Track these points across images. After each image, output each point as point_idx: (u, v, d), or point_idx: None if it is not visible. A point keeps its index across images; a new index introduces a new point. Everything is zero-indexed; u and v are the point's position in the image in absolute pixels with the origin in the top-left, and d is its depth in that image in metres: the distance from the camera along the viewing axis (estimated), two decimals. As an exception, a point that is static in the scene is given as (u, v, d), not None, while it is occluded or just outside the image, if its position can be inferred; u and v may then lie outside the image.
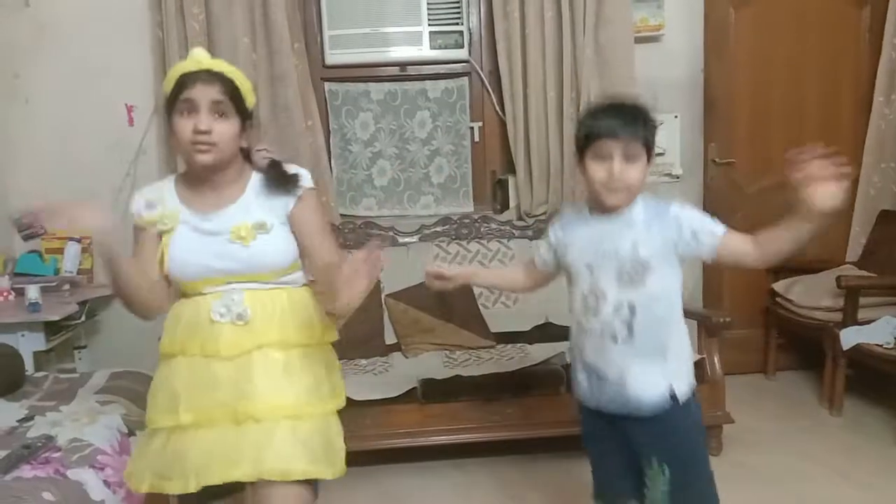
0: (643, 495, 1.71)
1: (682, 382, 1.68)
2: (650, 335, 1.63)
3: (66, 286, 3.10)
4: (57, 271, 3.17)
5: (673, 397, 1.64)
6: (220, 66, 1.59)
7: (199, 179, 1.63)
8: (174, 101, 1.56)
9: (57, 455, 1.84)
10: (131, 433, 2.10)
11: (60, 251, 3.21)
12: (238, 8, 3.15)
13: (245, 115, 1.62)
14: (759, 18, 3.55)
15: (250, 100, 1.63)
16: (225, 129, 1.56)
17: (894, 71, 3.51)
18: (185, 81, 1.55)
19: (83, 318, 3.02)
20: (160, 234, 1.61)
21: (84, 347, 3.25)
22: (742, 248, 1.62)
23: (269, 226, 1.61)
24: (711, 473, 1.72)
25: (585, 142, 1.64)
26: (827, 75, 3.63)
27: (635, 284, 1.62)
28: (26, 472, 1.74)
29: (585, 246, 1.69)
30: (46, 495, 1.63)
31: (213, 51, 3.17)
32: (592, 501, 1.85)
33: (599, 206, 1.68)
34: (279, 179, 1.64)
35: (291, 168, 1.67)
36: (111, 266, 1.51)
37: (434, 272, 1.83)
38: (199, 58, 1.59)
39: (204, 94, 1.53)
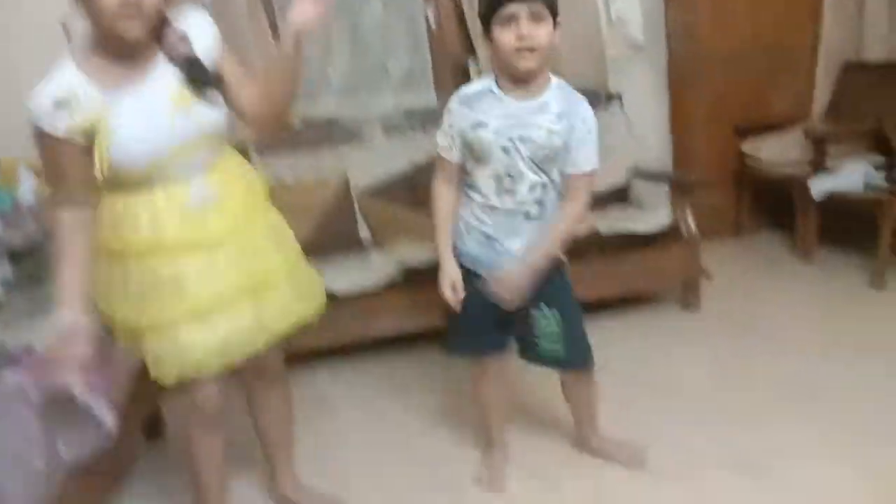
0: (532, 342, 1.85)
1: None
2: (552, 209, 1.75)
3: (27, 214, 2.99)
4: (13, 202, 3.06)
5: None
6: None
7: (109, 53, 1.47)
8: None
9: (39, 359, 1.80)
10: (112, 336, 2.07)
11: (15, 181, 3.09)
12: None
13: None
14: None
15: None
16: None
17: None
18: None
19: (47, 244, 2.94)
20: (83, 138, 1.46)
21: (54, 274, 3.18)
22: (566, 192, 1.75)
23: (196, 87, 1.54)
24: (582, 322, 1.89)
25: (489, 10, 1.64)
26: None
27: (546, 167, 1.71)
28: (10, 377, 1.71)
29: (501, 127, 1.68)
30: (34, 396, 1.61)
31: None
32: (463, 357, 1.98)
33: (512, 77, 1.67)
34: (197, 70, 1.53)
35: (209, 55, 1.56)
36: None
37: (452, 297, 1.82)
38: None
39: None
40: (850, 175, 3.00)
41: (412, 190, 3.07)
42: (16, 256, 2.75)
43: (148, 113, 1.50)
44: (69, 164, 1.48)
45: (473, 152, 1.73)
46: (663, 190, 2.98)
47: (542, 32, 1.60)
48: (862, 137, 3.21)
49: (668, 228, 2.79)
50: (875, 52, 3.49)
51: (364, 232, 3.09)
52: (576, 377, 1.95)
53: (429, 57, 3.44)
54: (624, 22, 3.38)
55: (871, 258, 2.93)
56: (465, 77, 3.42)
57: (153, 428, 2.39)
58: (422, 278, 2.67)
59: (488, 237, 1.77)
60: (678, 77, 3.56)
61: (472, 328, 1.87)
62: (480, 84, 1.75)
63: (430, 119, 3.31)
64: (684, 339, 2.66)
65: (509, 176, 1.70)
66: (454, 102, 1.76)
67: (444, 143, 1.78)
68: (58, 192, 1.52)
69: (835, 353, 2.42)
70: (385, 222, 3.07)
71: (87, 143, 1.47)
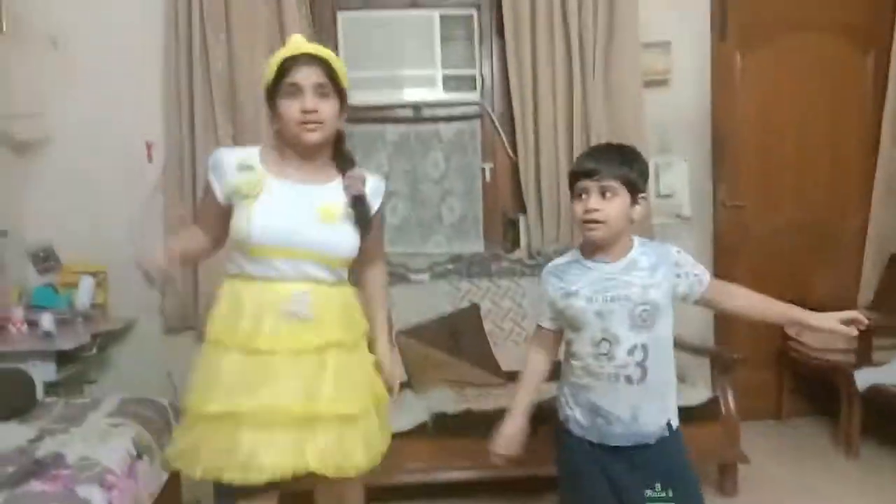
0: None
1: (675, 412, 1.80)
2: (660, 374, 1.73)
3: (80, 319, 3.11)
4: (70, 304, 3.19)
5: (669, 425, 1.76)
6: (318, 50, 1.71)
7: (290, 157, 1.72)
8: (277, 84, 1.67)
9: (66, 472, 1.82)
10: (140, 456, 2.08)
11: (75, 285, 3.22)
12: (258, 54, 3.21)
13: (342, 96, 1.72)
14: (766, 63, 3.63)
15: (346, 82, 1.74)
16: (328, 108, 1.68)
17: (902, 109, 3.57)
18: (288, 65, 1.67)
19: (95, 351, 3.02)
20: (234, 201, 1.68)
21: (94, 382, 3.25)
22: (721, 297, 1.80)
23: (350, 217, 1.71)
24: (702, 496, 1.81)
25: (571, 182, 1.76)
26: (834, 119, 3.68)
27: (647, 327, 1.70)
28: (35, 486, 1.73)
29: (592, 293, 1.73)
30: (55, 510, 1.62)
31: (232, 92, 3.28)
32: None
33: (589, 246, 1.77)
34: (360, 212, 1.72)
35: (373, 199, 1.77)
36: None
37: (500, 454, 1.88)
38: (299, 43, 1.70)
39: (308, 77, 1.65)
40: (897, 369, 2.95)
41: (451, 335, 3.10)
42: (62, 360, 2.83)
43: (289, 203, 1.67)
44: (213, 215, 1.75)
45: (568, 320, 1.78)
46: (704, 365, 2.96)
47: (609, 208, 1.68)
48: (909, 332, 3.18)
49: (708, 405, 2.74)
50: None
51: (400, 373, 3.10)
52: None
53: (481, 208, 3.59)
54: (672, 195, 3.49)
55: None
56: (513, 229, 3.55)
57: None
58: (452, 425, 2.65)
59: (592, 404, 1.75)
60: (723, 251, 3.62)
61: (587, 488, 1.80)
62: (569, 255, 1.83)
63: (476, 266, 3.42)
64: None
65: (605, 340, 1.71)
66: (546, 274, 1.84)
67: (540, 311, 1.88)
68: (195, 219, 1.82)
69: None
70: (421, 364, 3.08)
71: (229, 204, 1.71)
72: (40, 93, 3.32)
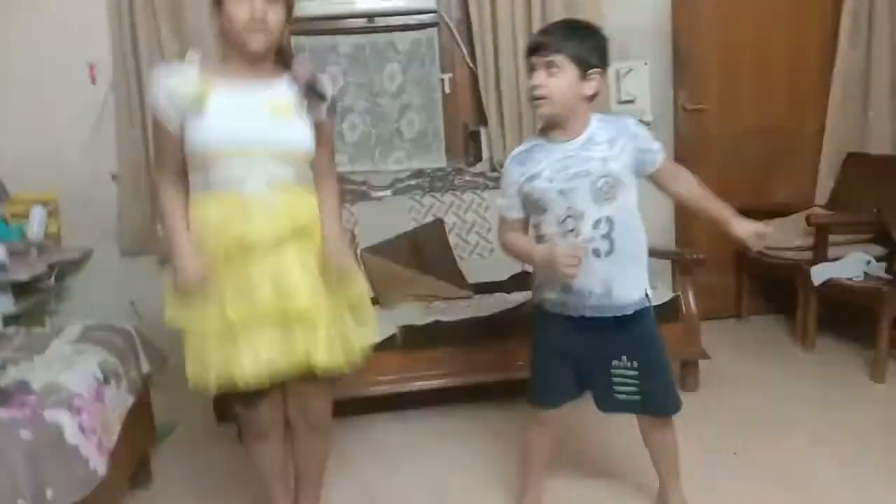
0: (612, 395, 1.84)
1: (648, 285, 1.83)
2: (628, 245, 1.75)
3: (34, 249, 3.02)
4: (23, 235, 3.09)
5: (646, 297, 1.80)
6: None
7: (233, 65, 1.67)
8: None
9: (32, 398, 1.79)
10: (107, 381, 2.06)
11: (25, 216, 3.12)
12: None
13: (289, 6, 1.67)
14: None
15: None
16: (277, 17, 1.63)
17: (858, 16, 3.55)
18: None
19: (52, 281, 2.96)
20: (185, 121, 1.63)
21: (55, 314, 3.19)
22: (669, 177, 1.81)
23: (302, 112, 1.68)
24: (670, 370, 1.89)
25: (526, 57, 1.77)
26: (793, 24, 3.65)
27: (609, 199, 1.72)
28: (1, 413, 1.70)
29: (554, 172, 1.74)
30: (24, 433, 1.60)
31: (177, 5, 3.12)
32: (532, 405, 1.95)
33: (545, 126, 1.78)
34: (314, 95, 1.69)
35: (325, 86, 1.70)
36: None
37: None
38: None
39: None
40: (851, 264, 3.03)
41: (416, 250, 3.10)
42: (19, 291, 2.76)
43: (239, 105, 1.64)
44: (166, 144, 1.68)
45: (533, 204, 1.79)
46: (665, 268, 3.01)
47: (554, 83, 1.69)
48: (864, 228, 3.25)
49: (669, 304, 2.80)
50: (878, 146, 3.58)
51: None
52: (651, 423, 1.91)
53: (441, 121, 3.53)
54: (633, 100, 3.46)
55: (872, 349, 2.93)
56: (475, 143, 3.50)
57: (141, 476, 2.35)
58: (420, 337, 2.68)
59: (565, 284, 1.76)
60: (684, 156, 3.61)
61: (551, 379, 1.89)
62: (527, 142, 1.84)
63: (438, 180, 3.38)
64: (679, 418, 2.63)
65: (570, 217, 1.73)
66: (508, 163, 1.85)
67: (504, 203, 1.85)
68: (160, 169, 1.72)
69: (829, 444, 2.39)
70: (387, 280, 3.08)
71: (181, 128, 1.64)
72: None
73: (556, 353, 1.86)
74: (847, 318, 3.22)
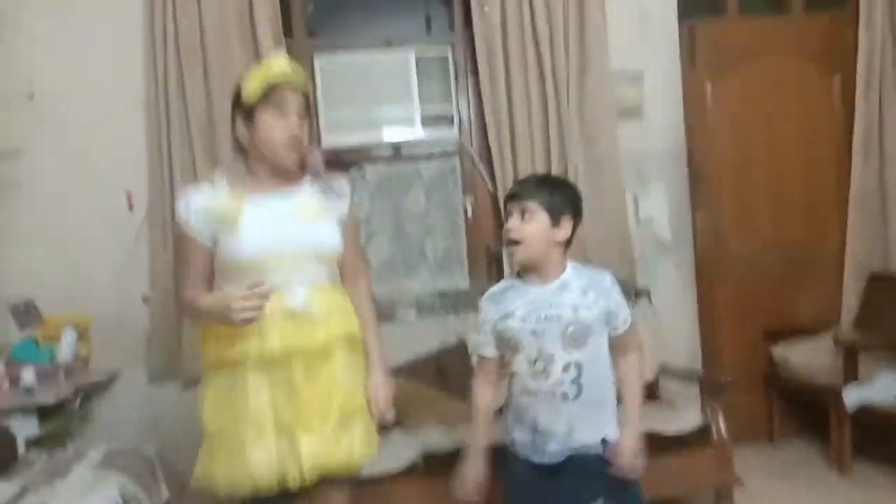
0: None
1: (613, 427, 1.84)
2: (594, 390, 1.79)
3: (62, 372, 3.05)
4: (52, 358, 3.13)
5: (604, 441, 1.80)
6: (299, 74, 1.78)
7: (259, 172, 1.76)
8: (260, 105, 1.71)
9: (52, 528, 1.78)
10: (127, 507, 2.04)
11: (57, 338, 3.18)
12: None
13: (310, 115, 1.81)
14: (735, 89, 3.70)
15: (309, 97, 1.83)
16: (306, 132, 1.77)
17: (869, 134, 3.65)
18: (274, 89, 1.72)
19: (77, 404, 2.97)
20: (217, 233, 1.70)
21: (77, 437, 3.17)
22: (619, 352, 1.86)
23: (328, 214, 1.78)
24: None
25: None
26: (805, 141, 3.76)
27: (579, 346, 1.78)
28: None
29: (527, 313, 1.80)
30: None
31: (211, 133, 3.29)
32: None
33: (521, 269, 1.86)
34: (331, 184, 1.81)
35: (343, 185, 1.84)
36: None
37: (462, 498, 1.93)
38: (284, 66, 1.76)
39: (293, 101, 1.73)
40: (884, 386, 2.97)
41: (440, 372, 3.09)
42: (44, 414, 2.78)
43: (271, 214, 1.72)
44: (195, 259, 1.74)
45: (506, 343, 1.83)
46: (693, 391, 2.96)
47: (527, 228, 1.79)
48: (893, 348, 3.20)
49: (699, 430, 2.74)
50: (901, 264, 3.59)
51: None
52: None
53: (464, 244, 3.61)
54: (651, 221, 3.53)
55: (912, 475, 2.82)
56: (497, 264, 3.56)
57: None
58: (443, 464, 2.62)
59: (533, 423, 1.81)
60: (705, 276, 3.65)
61: None
62: (505, 282, 1.92)
63: (461, 302, 3.42)
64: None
65: (542, 359, 1.77)
66: (484, 301, 1.91)
67: (480, 341, 1.91)
68: (185, 287, 1.77)
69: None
70: (410, 403, 3.05)
71: (213, 242, 1.72)
72: (18, 144, 3.32)
73: (528, 501, 1.85)
74: (884, 440, 3.12)
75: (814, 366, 3.29)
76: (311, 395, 1.68)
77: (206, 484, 1.71)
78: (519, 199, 1.82)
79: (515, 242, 1.80)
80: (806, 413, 3.54)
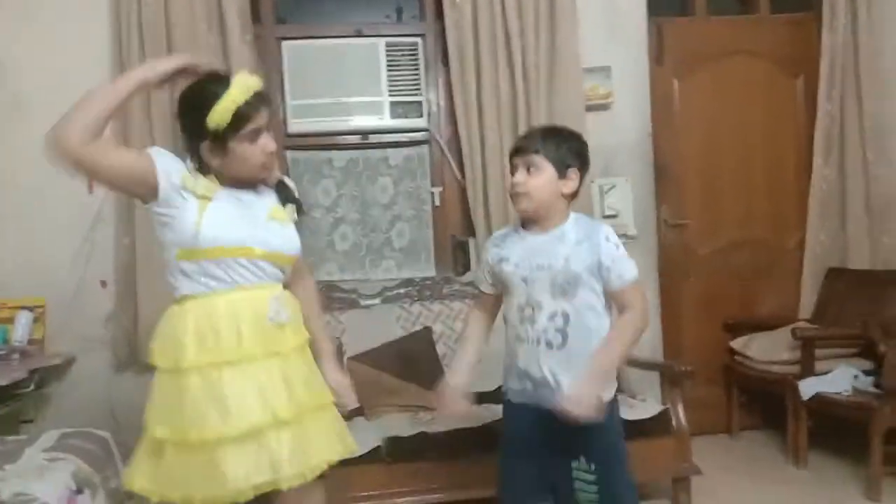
0: (572, 498, 1.84)
1: (608, 387, 1.83)
2: (581, 343, 1.78)
3: (16, 355, 2.98)
4: (6, 340, 3.06)
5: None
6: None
7: (227, 181, 1.69)
8: (233, 131, 1.60)
9: (0, 509, 1.73)
10: (80, 490, 1.99)
11: (11, 321, 3.10)
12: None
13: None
14: (702, 87, 3.76)
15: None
16: (275, 143, 1.70)
17: (829, 135, 3.72)
18: (246, 111, 1.60)
19: (32, 387, 2.90)
20: (180, 195, 1.62)
21: (31, 421, 3.11)
22: (619, 309, 1.84)
23: (289, 217, 1.75)
24: (629, 476, 1.87)
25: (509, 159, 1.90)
26: (769, 140, 3.82)
27: (567, 295, 1.78)
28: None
29: (520, 260, 1.84)
30: (-13, 546, 1.53)
31: (172, 121, 3.21)
32: None
33: (523, 219, 1.88)
34: (288, 197, 1.77)
35: (293, 189, 1.81)
36: (116, 97, 1.61)
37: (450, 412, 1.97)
38: (249, 83, 1.62)
39: (264, 117, 1.65)
40: (839, 378, 3.03)
41: (402, 359, 3.08)
42: (-2, 397, 2.71)
43: (246, 209, 1.68)
44: (134, 161, 1.63)
45: (501, 284, 1.89)
46: (654, 380, 2.99)
47: (533, 181, 1.80)
48: (849, 342, 3.27)
49: (659, 419, 2.76)
50: (858, 261, 3.66)
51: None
52: None
53: (431, 232, 3.61)
54: (617, 214, 3.56)
55: (865, 465, 2.88)
56: (463, 253, 3.56)
57: None
58: (406, 449, 2.62)
59: (520, 368, 1.84)
60: (668, 269, 3.70)
61: (517, 478, 1.89)
62: (507, 227, 1.96)
63: (427, 289, 3.41)
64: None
65: (529, 306, 1.81)
66: (488, 242, 1.98)
67: (479, 277, 2.02)
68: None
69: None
70: (373, 389, 3.04)
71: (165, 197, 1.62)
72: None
73: (520, 451, 1.88)
74: (839, 432, 3.18)
75: (772, 359, 3.34)
76: (285, 397, 1.64)
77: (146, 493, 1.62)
78: (524, 152, 1.82)
79: (519, 195, 1.81)
80: (764, 405, 3.61)
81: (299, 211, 1.79)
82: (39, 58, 3.27)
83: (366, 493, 2.61)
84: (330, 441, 1.71)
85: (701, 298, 3.73)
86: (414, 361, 3.07)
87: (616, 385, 1.90)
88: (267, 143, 1.66)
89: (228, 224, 1.64)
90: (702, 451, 2.92)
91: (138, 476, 1.63)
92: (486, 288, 1.98)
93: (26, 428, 3.04)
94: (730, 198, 3.79)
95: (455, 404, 1.95)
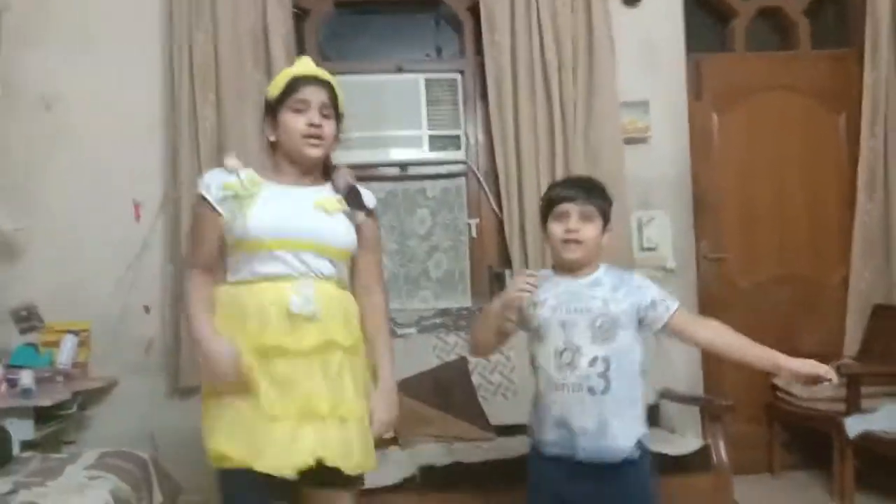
0: None
1: (645, 429, 1.84)
2: (624, 388, 1.77)
3: (60, 378, 3.05)
4: (51, 363, 3.13)
5: (640, 445, 1.79)
6: (325, 73, 1.80)
7: (284, 168, 1.77)
8: (283, 100, 1.73)
9: (42, 522, 1.76)
10: (119, 508, 2.02)
11: (57, 343, 3.18)
12: (249, 109, 3.30)
13: (339, 120, 1.82)
14: (742, 123, 3.75)
15: (343, 107, 1.83)
16: (330, 131, 1.77)
17: (873, 171, 3.67)
18: (297, 83, 1.75)
19: (74, 409, 2.96)
20: (230, 209, 1.69)
21: (72, 443, 3.16)
22: (691, 327, 1.86)
23: (346, 213, 1.77)
24: None
25: (548, 208, 1.88)
26: (810, 175, 3.78)
27: (607, 339, 1.78)
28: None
29: (557, 304, 1.82)
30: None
31: (220, 150, 3.33)
32: None
33: (562, 264, 1.87)
34: (355, 201, 1.79)
35: (366, 195, 1.84)
36: None
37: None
38: (309, 64, 1.80)
39: (316, 96, 1.74)
40: (886, 416, 2.94)
41: (437, 388, 3.07)
42: (41, 418, 2.76)
43: (288, 199, 1.73)
44: (207, 228, 1.73)
45: (534, 332, 1.85)
46: (694, 415, 2.93)
47: (588, 229, 1.83)
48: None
49: (699, 454, 2.70)
50: (905, 298, 3.58)
51: (387, 427, 3.05)
52: None
53: (468, 263, 3.63)
54: (655, 248, 3.54)
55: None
56: (500, 284, 3.56)
57: None
58: (440, 477, 2.60)
59: (559, 417, 1.79)
60: (708, 304, 3.64)
61: None
62: (541, 271, 1.93)
63: (463, 320, 3.42)
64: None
65: (568, 350, 1.78)
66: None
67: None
68: (193, 259, 1.78)
69: None
70: (408, 419, 3.03)
71: (228, 214, 1.71)
72: (30, 152, 3.38)
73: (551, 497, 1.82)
74: (887, 472, 3.07)
75: (816, 396, 3.25)
76: (307, 391, 1.65)
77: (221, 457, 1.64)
78: (577, 201, 1.83)
79: (576, 242, 1.82)
80: (807, 444, 3.51)
81: (363, 207, 1.81)
82: (90, 91, 3.41)
83: (399, 522, 2.58)
84: (366, 451, 1.72)
85: (742, 333, 3.64)
86: (449, 391, 3.07)
87: (647, 431, 1.86)
88: (313, 116, 1.72)
89: (273, 217, 1.69)
90: (743, 490, 2.84)
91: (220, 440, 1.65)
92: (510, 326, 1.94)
93: (68, 449, 3.09)
94: (769, 232, 3.74)
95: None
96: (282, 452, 1.58)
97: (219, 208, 1.72)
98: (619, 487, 1.76)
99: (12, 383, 2.86)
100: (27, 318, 3.31)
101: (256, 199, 1.70)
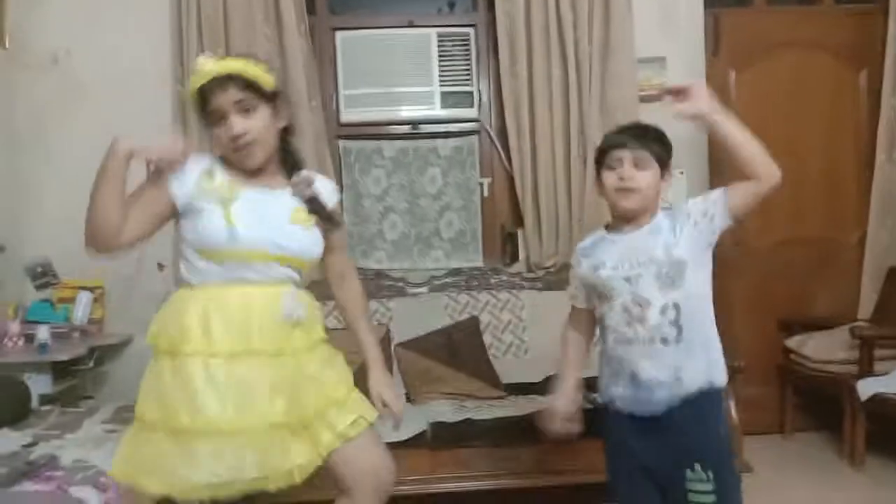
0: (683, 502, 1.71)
1: (721, 372, 1.75)
2: (696, 331, 1.70)
3: (76, 333, 3.10)
4: (67, 319, 3.17)
5: (712, 385, 1.71)
6: (227, 67, 1.60)
7: (240, 170, 1.66)
8: (203, 115, 1.63)
9: (60, 474, 1.80)
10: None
11: (72, 300, 3.22)
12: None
13: (274, 98, 1.65)
14: (759, 80, 3.66)
15: (268, 81, 1.63)
16: (257, 122, 1.60)
17: (893, 130, 3.59)
18: (204, 94, 1.60)
19: (91, 364, 3.00)
20: (197, 204, 1.60)
21: (90, 398, 3.21)
22: (744, 187, 1.79)
23: (313, 221, 1.71)
24: (737, 473, 1.80)
25: (601, 157, 1.79)
26: (828, 135, 3.71)
27: (675, 285, 1.70)
28: (28, 487, 1.70)
29: (619, 261, 1.75)
30: (48, 507, 1.59)
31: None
32: None
33: (618, 216, 1.79)
34: (320, 213, 1.71)
35: (329, 202, 1.74)
36: (111, 178, 1.62)
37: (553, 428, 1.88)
38: (206, 67, 1.60)
39: (225, 98, 1.57)
40: (900, 379, 2.94)
41: (449, 347, 3.09)
42: (59, 374, 2.81)
43: (264, 209, 1.64)
44: (152, 202, 1.65)
45: (599, 293, 1.80)
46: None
47: (643, 176, 1.73)
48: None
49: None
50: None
51: (399, 384, 3.07)
52: None
53: (479, 222, 3.61)
54: (670, 207, 3.49)
55: (925, 469, 2.79)
56: (512, 243, 3.55)
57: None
58: (451, 434, 2.62)
59: (632, 374, 1.73)
60: (722, 266, 3.58)
61: (629, 496, 1.81)
62: (593, 235, 1.86)
63: (474, 279, 3.42)
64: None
65: (637, 304, 1.71)
66: (575, 257, 1.89)
67: (572, 293, 1.92)
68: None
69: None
70: (420, 377, 3.06)
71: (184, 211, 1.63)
72: (42, 106, 3.37)
73: (630, 466, 1.78)
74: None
75: (829, 358, 3.25)
76: (285, 400, 1.63)
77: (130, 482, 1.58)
78: (630, 147, 1.74)
79: (631, 190, 1.72)
80: (819, 406, 3.51)
81: (334, 223, 1.75)
82: (99, 46, 3.38)
83: (410, 478, 2.61)
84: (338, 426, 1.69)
85: (754, 295, 3.64)
86: (460, 350, 3.08)
87: (726, 377, 1.78)
88: (232, 125, 1.58)
89: (250, 227, 1.61)
90: (754, 450, 2.84)
91: (120, 462, 1.61)
92: (580, 303, 1.90)
93: (85, 403, 3.14)
94: (785, 193, 3.58)
95: (563, 427, 1.87)
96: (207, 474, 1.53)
97: (180, 196, 1.62)
98: (698, 436, 1.70)
99: (29, 338, 2.90)
100: (43, 274, 3.34)
101: (235, 204, 1.61)
